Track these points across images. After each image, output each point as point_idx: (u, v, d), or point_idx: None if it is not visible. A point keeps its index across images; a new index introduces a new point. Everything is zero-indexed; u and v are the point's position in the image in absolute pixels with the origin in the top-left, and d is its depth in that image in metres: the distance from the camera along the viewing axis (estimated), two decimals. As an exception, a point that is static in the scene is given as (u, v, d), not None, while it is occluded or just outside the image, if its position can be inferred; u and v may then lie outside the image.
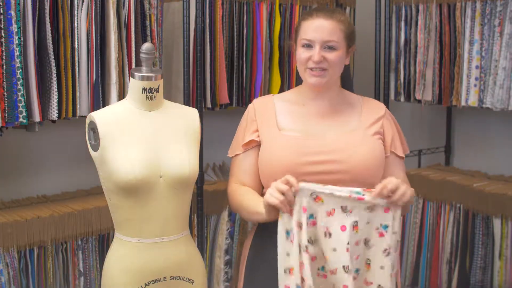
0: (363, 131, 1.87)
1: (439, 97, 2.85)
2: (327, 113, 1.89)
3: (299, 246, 1.64)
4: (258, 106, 1.94)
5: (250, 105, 1.97)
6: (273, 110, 1.91)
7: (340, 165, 1.79)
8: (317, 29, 1.81)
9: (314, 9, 1.92)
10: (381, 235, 1.67)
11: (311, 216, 1.66)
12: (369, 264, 1.70)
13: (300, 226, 1.65)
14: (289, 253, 1.66)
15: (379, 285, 1.69)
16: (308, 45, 1.81)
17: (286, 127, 1.88)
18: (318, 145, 1.82)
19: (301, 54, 1.84)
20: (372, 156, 1.82)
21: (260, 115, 1.91)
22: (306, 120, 1.88)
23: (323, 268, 1.68)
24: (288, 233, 1.66)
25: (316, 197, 1.66)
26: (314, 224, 1.66)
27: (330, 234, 1.66)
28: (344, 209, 1.66)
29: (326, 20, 1.81)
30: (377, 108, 1.94)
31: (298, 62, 1.86)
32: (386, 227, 1.66)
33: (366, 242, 1.68)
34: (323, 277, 1.69)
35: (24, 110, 2.06)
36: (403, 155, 1.92)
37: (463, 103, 2.73)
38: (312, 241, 1.66)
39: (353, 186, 1.69)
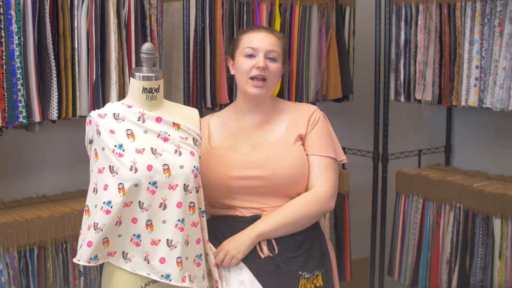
0: (286, 140, 1.93)
1: (439, 97, 2.85)
2: (259, 125, 1.98)
3: None
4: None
5: None
6: (206, 130, 2.02)
7: (264, 181, 1.88)
8: (261, 39, 1.93)
9: (252, 26, 2.06)
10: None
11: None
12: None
13: None
14: None
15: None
16: (251, 55, 1.92)
17: (217, 145, 1.98)
18: (243, 161, 1.91)
19: (243, 64, 1.92)
20: (294, 167, 1.90)
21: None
22: (237, 135, 1.98)
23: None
24: None
25: None
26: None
27: None
28: None
29: (268, 34, 1.96)
30: (305, 111, 1.99)
31: (240, 72, 1.93)
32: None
33: None
34: None
35: (24, 110, 2.06)
36: (327, 155, 1.93)
37: (463, 103, 2.73)
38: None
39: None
